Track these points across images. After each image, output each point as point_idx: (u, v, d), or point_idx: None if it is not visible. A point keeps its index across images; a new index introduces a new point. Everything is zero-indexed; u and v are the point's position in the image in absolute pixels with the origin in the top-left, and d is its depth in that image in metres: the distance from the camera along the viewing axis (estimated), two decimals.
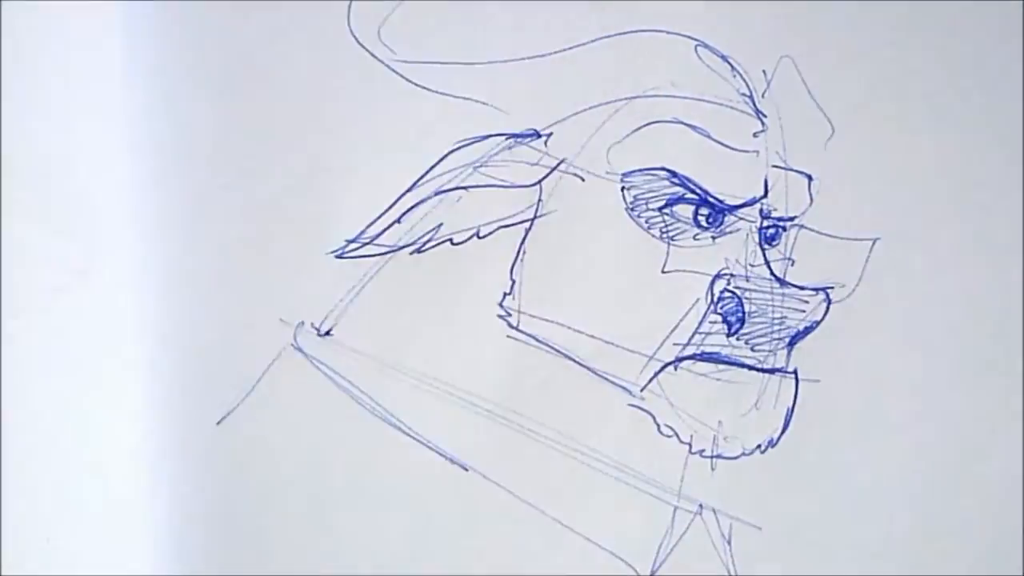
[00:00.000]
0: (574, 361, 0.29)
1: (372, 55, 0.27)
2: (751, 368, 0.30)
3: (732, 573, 0.30)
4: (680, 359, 0.29)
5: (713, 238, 0.29)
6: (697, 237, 0.29)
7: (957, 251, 0.31)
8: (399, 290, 0.28)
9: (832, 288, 0.30)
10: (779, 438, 0.30)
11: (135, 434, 0.27)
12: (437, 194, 0.28)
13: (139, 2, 0.26)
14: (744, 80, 0.28)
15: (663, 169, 0.28)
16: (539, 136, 0.28)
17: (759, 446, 0.30)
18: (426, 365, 0.28)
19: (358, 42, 0.27)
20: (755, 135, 0.29)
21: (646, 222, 0.29)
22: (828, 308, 0.30)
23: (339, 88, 0.27)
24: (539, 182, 0.28)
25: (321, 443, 0.28)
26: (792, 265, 0.30)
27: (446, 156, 0.28)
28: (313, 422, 0.28)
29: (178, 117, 0.27)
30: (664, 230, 0.29)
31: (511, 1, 0.27)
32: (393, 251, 0.28)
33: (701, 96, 0.28)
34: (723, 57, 0.28)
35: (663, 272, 0.29)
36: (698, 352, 0.29)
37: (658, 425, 0.29)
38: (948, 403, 0.31)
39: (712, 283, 0.29)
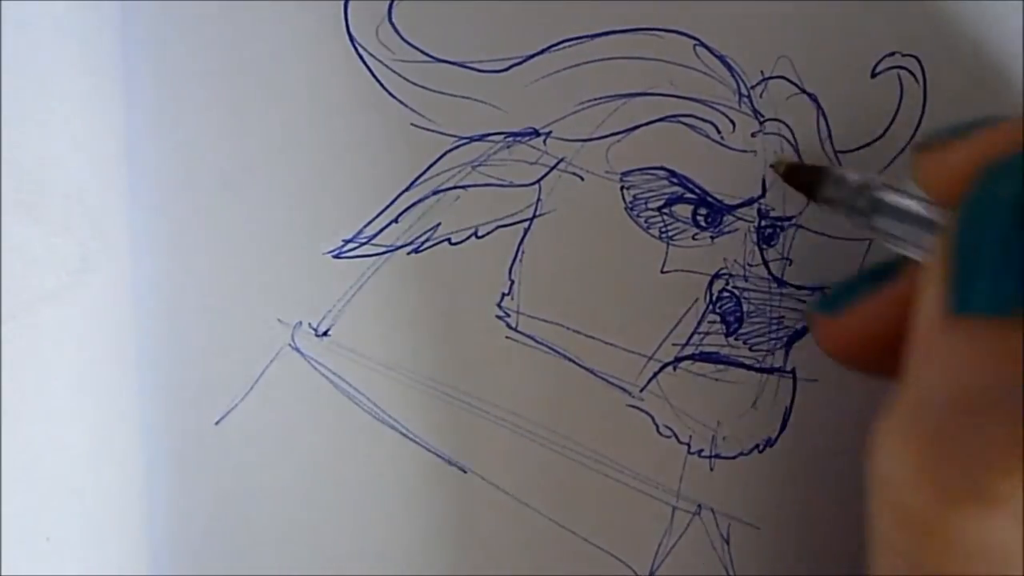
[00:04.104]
0: (573, 362, 0.29)
1: (370, 54, 0.27)
2: (749, 368, 0.30)
3: (731, 573, 0.30)
4: (679, 359, 0.29)
5: (712, 238, 0.29)
6: (696, 237, 0.29)
7: None
8: (397, 290, 0.28)
9: (830, 288, 0.30)
10: (777, 438, 0.30)
11: (134, 434, 0.27)
12: (435, 193, 0.28)
13: (139, 2, 0.26)
14: (742, 80, 0.28)
15: (662, 168, 0.29)
16: (538, 135, 0.28)
17: (757, 446, 0.30)
18: (424, 366, 0.28)
19: (355, 41, 0.27)
20: (753, 135, 0.29)
21: (645, 222, 0.29)
22: None
23: (336, 87, 0.27)
24: (538, 181, 0.28)
25: (319, 443, 0.28)
26: (790, 265, 0.30)
27: (444, 155, 0.28)
28: (311, 422, 0.28)
29: (176, 116, 0.27)
30: (663, 230, 0.29)
31: (509, 0, 0.27)
32: (390, 251, 0.28)
33: (699, 96, 0.28)
34: (721, 57, 0.28)
35: (662, 272, 0.29)
36: (697, 352, 0.29)
37: (657, 426, 0.29)
38: None
39: (710, 283, 0.29)
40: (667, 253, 0.29)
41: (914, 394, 0.17)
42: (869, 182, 0.25)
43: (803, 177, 0.28)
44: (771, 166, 0.29)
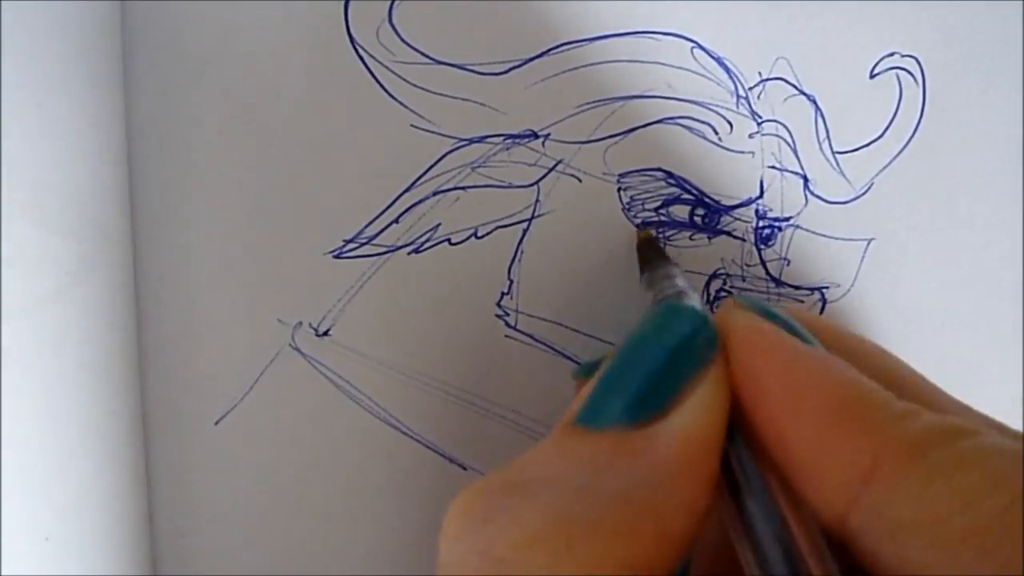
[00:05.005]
0: (572, 360, 0.29)
1: (371, 55, 0.27)
2: None
3: None
4: None
5: (709, 238, 0.29)
6: (693, 237, 0.29)
7: (953, 252, 0.31)
8: (397, 290, 0.28)
9: (827, 288, 0.30)
10: None
11: (135, 434, 0.27)
12: (435, 194, 0.28)
13: (139, 2, 0.26)
14: (740, 82, 0.29)
15: (659, 170, 0.29)
16: (536, 137, 0.28)
17: None
18: (424, 365, 0.28)
19: (355, 42, 0.27)
20: (751, 136, 0.29)
21: (643, 222, 0.29)
22: (823, 308, 0.30)
23: (337, 88, 0.27)
24: (537, 182, 0.28)
25: (320, 443, 0.28)
26: (788, 265, 0.30)
27: (444, 157, 0.28)
28: (311, 422, 0.28)
29: (176, 117, 0.27)
30: (660, 230, 0.29)
31: (508, 2, 0.27)
32: (391, 251, 0.28)
33: (697, 98, 0.28)
34: (718, 59, 0.28)
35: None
36: None
37: None
38: None
39: (708, 283, 0.29)
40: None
41: (502, 468, 0.19)
42: (682, 293, 0.25)
43: (646, 254, 0.28)
44: (637, 233, 0.29)
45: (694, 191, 0.29)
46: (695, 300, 0.24)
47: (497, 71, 0.27)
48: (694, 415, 0.18)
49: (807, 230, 0.30)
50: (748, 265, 0.29)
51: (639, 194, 0.29)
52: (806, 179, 0.30)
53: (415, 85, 0.27)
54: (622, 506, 0.17)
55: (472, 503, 0.18)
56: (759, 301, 0.20)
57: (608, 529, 0.16)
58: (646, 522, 0.17)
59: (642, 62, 0.28)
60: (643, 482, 0.17)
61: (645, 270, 0.27)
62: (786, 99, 0.29)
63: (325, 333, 0.28)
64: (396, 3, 0.27)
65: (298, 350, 0.28)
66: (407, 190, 0.28)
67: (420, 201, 0.28)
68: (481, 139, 0.28)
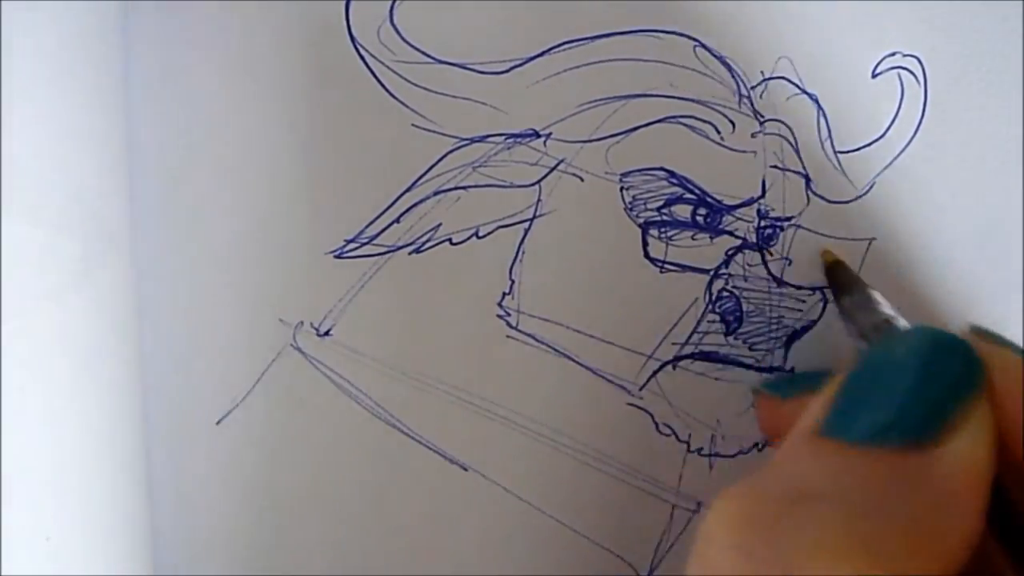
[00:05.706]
0: (573, 360, 0.29)
1: (372, 55, 0.27)
2: (749, 367, 0.30)
3: None
4: (678, 358, 0.30)
5: (711, 238, 0.29)
6: (695, 237, 0.29)
7: (953, 252, 0.31)
8: (398, 290, 0.28)
9: (828, 288, 0.30)
10: None
11: (135, 434, 0.27)
12: (436, 194, 0.28)
13: (139, 1, 0.26)
14: (742, 81, 0.29)
15: (661, 169, 0.29)
16: (538, 136, 0.28)
17: (756, 444, 0.30)
18: (425, 365, 0.28)
19: (356, 42, 0.27)
20: (753, 135, 0.29)
21: (645, 222, 0.29)
22: (824, 307, 0.30)
23: (338, 88, 0.27)
24: (538, 182, 0.28)
25: (320, 443, 0.28)
26: (789, 265, 0.30)
27: (445, 156, 0.28)
28: (312, 422, 0.28)
29: (177, 116, 0.27)
30: (663, 230, 0.29)
31: (509, 1, 0.27)
32: (392, 251, 0.28)
33: (699, 97, 0.28)
34: (721, 58, 0.28)
35: (661, 272, 0.29)
36: (696, 351, 0.30)
37: (656, 424, 0.30)
38: None
39: (710, 283, 0.29)
40: (666, 253, 0.29)
41: (765, 477, 0.19)
42: (892, 319, 0.25)
43: (840, 279, 0.28)
44: (821, 254, 0.29)
45: (696, 191, 0.29)
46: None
47: (498, 70, 0.27)
48: (973, 445, 0.18)
49: (809, 230, 0.30)
50: (750, 265, 0.29)
51: (641, 193, 0.29)
52: (808, 179, 0.30)
53: (416, 84, 0.27)
54: (911, 529, 0.17)
55: (753, 512, 0.18)
56: (1006, 338, 0.21)
57: (901, 551, 0.17)
58: (933, 546, 0.17)
59: (644, 61, 0.28)
60: (929, 507, 0.17)
61: (844, 295, 0.27)
62: (788, 98, 0.29)
63: (326, 333, 0.28)
64: (397, 3, 0.27)
65: (299, 350, 0.28)
66: (408, 190, 0.28)
67: (421, 201, 0.28)
68: (482, 138, 0.28)
